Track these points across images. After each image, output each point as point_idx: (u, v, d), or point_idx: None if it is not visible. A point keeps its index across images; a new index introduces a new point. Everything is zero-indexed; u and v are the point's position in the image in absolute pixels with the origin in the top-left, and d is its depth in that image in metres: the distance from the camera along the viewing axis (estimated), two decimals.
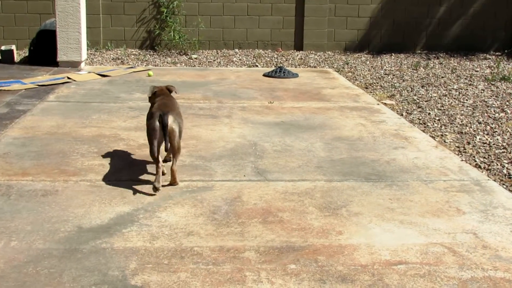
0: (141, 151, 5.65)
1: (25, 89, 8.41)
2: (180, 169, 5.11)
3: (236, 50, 12.49)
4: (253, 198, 4.58)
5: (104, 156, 5.48)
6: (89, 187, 4.72)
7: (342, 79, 9.94)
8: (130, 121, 6.77)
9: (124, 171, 5.12)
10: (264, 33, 12.59)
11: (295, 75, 9.92)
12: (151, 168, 5.14)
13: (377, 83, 9.89)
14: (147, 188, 4.71)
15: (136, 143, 5.91)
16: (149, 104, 5.28)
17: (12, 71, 9.80)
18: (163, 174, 4.91)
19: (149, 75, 9.62)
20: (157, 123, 4.71)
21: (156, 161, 4.73)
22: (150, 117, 4.85)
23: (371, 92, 9.16)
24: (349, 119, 7.16)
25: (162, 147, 4.83)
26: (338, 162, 5.50)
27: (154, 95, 5.28)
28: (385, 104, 8.20)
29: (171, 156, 4.89)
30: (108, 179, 4.91)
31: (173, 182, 4.81)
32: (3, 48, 10.92)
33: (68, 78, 9.21)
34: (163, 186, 4.73)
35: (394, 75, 10.55)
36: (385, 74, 10.65)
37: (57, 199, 4.47)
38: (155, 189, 4.63)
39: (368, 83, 9.84)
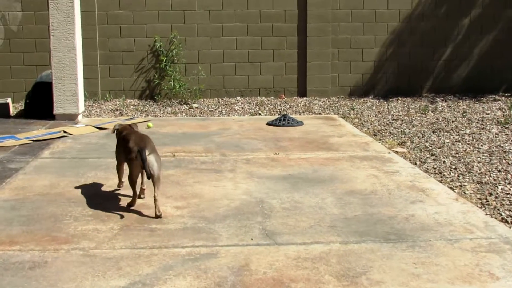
0: (140, 213, 5.23)
1: (19, 145, 8.03)
2: (182, 233, 4.70)
3: (238, 98, 12.17)
4: (262, 266, 4.15)
5: (98, 219, 5.06)
6: (82, 257, 4.29)
7: (349, 126, 9.57)
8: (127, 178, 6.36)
9: (119, 236, 4.70)
10: (266, 80, 12.29)
11: (300, 123, 9.55)
12: (147, 232, 4.72)
13: (386, 129, 9.52)
14: (146, 257, 4.28)
15: (134, 203, 5.49)
16: None
17: (7, 125, 9.45)
18: (140, 197, 5.61)
19: (148, 127, 9.25)
20: (134, 156, 5.18)
21: (133, 187, 5.36)
22: (129, 152, 5.27)
23: (380, 140, 8.77)
24: (360, 170, 6.75)
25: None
26: (353, 220, 5.07)
27: (118, 132, 5.82)
28: (396, 152, 7.81)
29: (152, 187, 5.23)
30: (102, 247, 4.48)
31: (157, 213, 5.10)
32: None
33: (64, 132, 8.84)
34: (157, 248, 4.30)
35: (402, 120, 10.18)
36: (393, 119, 10.28)
37: (46, 272, 4.04)
38: (129, 205, 5.41)
39: (376, 130, 9.47)
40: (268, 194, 5.79)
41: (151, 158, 5.16)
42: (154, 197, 5.11)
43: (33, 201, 5.56)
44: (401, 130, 9.38)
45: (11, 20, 11.71)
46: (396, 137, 8.93)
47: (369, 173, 6.62)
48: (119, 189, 5.93)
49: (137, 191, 5.44)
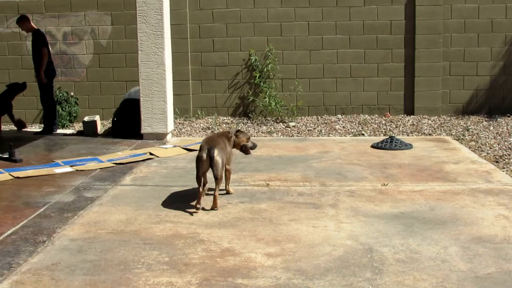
0: (224, 261, 4.39)
1: (101, 168, 7.41)
2: None
3: (339, 116, 11.20)
4: None
5: (175, 269, 4.25)
6: None
7: (464, 150, 8.44)
8: (214, 213, 5.56)
9: None
10: (370, 96, 11.27)
11: (409, 146, 8.51)
12: None
13: (509, 154, 8.34)
14: None
15: (219, 248, 4.66)
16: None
17: (91, 145, 8.90)
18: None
19: None
20: (204, 155, 5.59)
21: (199, 184, 5.66)
22: (199, 149, 5.71)
23: (504, 168, 7.62)
24: (485, 208, 5.67)
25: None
26: (487, 281, 4.04)
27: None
28: None
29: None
30: None
31: (213, 207, 5.64)
32: (86, 119, 10.11)
33: (150, 154, 8.18)
34: None
35: None
36: None
37: None
38: (196, 208, 5.60)
39: (497, 155, 8.30)
40: (377, 240, 4.83)
41: (218, 159, 5.57)
42: (214, 195, 5.66)
43: (103, 241, 4.83)
44: None
45: (101, 34, 11.24)
46: None
47: (497, 212, 5.54)
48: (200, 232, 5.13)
49: (201, 189, 5.67)
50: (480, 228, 5.11)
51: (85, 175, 7.04)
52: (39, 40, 9.77)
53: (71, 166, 7.46)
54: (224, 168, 5.78)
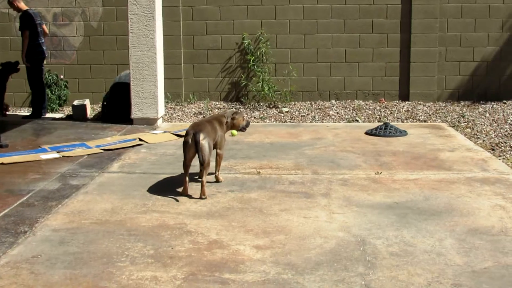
0: (211, 254, 4.22)
1: (88, 154, 7.23)
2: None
3: (333, 101, 11.01)
4: None
5: (159, 262, 4.09)
6: None
7: (460, 137, 8.28)
8: (202, 202, 5.40)
9: None
10: (365, 82, 11.08)
11: (404, 133, 8.35)
12: (218, 285, 3.71)
13: (505, 142, 8.18)
14: None
15: (206, 240, 4.50)
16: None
17: (80, 130, 8.71)
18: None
19: (232, 135, 8.22)
20: (190, 140, 5.45)
21: (185, 171, 5.59)
22: (185, 134, 5.59)
23: (500, 156, 7.47)
24: (481, 198, 5.53)
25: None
26: (484, 276, 3.89)
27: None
28: None
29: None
30: None
31: (201, 196, 5.46)
32: (75, 103, 9.92)
33: (140, 139, 8.00)
34: None
35: None
36: None
37: None
38: (180, 194, 5.56)
39: (493, 143, 8.15)
40: (370, 231, 4.68)
41: (204, 143, 5.41)
42: (202, 181, 5.47)
43: (87, 232, 4.66)
44: None
45: (91, 16, 11.00)
46: None
47: (493, 202, 5.39)
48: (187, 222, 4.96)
49: (187, 178, 5.59)
50: (476, 219, 4.97)
51: (72, 162, 6.86)
52: (23, 21, 9.52)
53: (57, 152, 7.28)
54: (210, 153, 5.59)
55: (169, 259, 4.15)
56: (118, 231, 4.68)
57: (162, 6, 9.31)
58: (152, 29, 8.82)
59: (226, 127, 6.01)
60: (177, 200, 5.44)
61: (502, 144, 8.08)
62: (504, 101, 10.89)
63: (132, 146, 7.65)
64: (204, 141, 5.45)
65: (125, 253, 4.26)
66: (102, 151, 7.40)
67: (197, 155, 5.44)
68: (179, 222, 4.88)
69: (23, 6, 9.72)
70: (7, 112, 10.20)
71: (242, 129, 6.21)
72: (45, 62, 10.01)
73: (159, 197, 5.56)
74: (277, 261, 4.12)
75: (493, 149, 7.83)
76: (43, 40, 9.73)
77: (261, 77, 10.73)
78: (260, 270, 3.97)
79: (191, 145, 5.45)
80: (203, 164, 5.45)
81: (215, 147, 5.79)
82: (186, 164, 5.57)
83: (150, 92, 8.94)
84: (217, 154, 5.91)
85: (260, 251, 4.29)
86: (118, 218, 5.00)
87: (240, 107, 10.68)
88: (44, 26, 9.94)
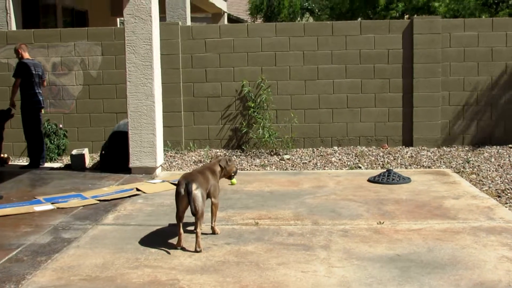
0: None
1: (83, 205, 7.06)
2: None
3: (335, 147, 10.86)
4: None
5: None
6: None
7: (465, 183, 8.08)
8: (197, 256, 5.20)
9: None
10: (367, 128, 10.95)
11: (407, 180, 8.16)
12: None
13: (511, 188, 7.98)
14: None
15: None
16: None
17: (77, 180, 8.55)
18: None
19: (232, 183, 8.06)
20: (182, 190, 5.27)
21: (178, 222, 5.40)
22: (177, 184, 5.40)
23: (506, 203, 7.26)
24: (487, 249, 5.31)
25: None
26: None
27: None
28: None
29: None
30: None
31: (196, 249, 5.27)
32: (74, 152, 9.79)
33: (137, 189, 7.84)
34: None
35: None
36: None
37: None
38: (175, 247, 5.36)
39: (500, 190, 7.94)
40: (371, 287, 4.46)
41: (196, 193, 5.27)
42: (196, 233, 5.31)
43: None
44: None
45: (91, 64, 10.96)
46: None
47: (500, 254, 5.17)
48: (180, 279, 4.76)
49: (182, 230, 5.42)
50: (482, 272, 4.75)
51: (66, 213, 6.69)
52: (17, 69, 9.47)
53: (52, 203, 7.11)
54: (204, 204, 5.39)
55: None
56: None
57: (162, 54, 9.25)
58: (150, 77, 8.73)
59: (220, 175, 5.85)
60: (170, 254, 5.24)
61: (508, 191, 7.88)
62: (510, 145, 10.72)
63: (129, 196, 7.48)
64: (197, 191, 5.29)
65: None
66: (98, 202, 7.23)
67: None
68: (171, 278, 4.69)
69: (26, 56, 9.67)
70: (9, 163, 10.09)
71: (231, 176, 6.07)
72: (43, 112, 9.90)
73: (153, 250, 5.37)
74: None
75: (499, 196, 7.63)
76: (39, 90, 9.65)
77: (262, 124, 10.61)
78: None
79: (183, 196, 5.28)
80: (195, 215, 5.26)
81: (208, 196, 5.61)
82: (179, 216, 5.37)
83: (149, 141, 8.81)
84: (212, 204, 5.72)
85: None
86: (109, 274, 4.80)
87: (241, 155, 10.54)
88: (45, 79, 9.88)
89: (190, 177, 5.39)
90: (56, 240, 5.72)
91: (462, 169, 9.21)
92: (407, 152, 10.51)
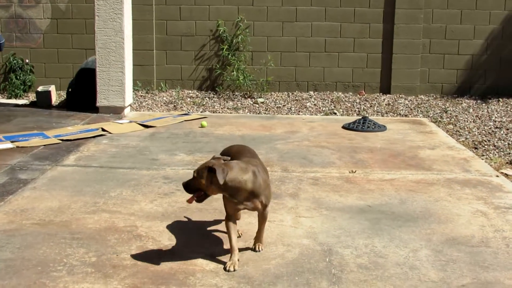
0: (159, 264, 3.77)
1: (45, 145, 6.74)
2: None
3: (311, 92, 10.57)
4: None
5: (100, 272, 3.64)
6: None
7: (441, 133, 7.88)
8: (158, 202, 4.95)
9: None
10: (345, 73, 10.65)
11: (383, 128, 7.93)
12: None
13: (489, 140, 7.79)
14: None
15: (156, 246, 4.06)
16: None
17: (41, 118, 8.21)
18: None
19: (202, 126, 7.83)
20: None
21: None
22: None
23: (483, 155, 7.08)
24: (462, 202, 5.12)
25: None
26: None
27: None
28: (506, 175, 6.12)
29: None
30: None
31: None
32: (39, 89, 9.41)
33: (103, 129, 7.52)
34: None
35: (508, 129, 8.40)
36: (496, 127, 8.51)
37: None
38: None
39: (476, 141, 7.75)
40: (339, 239, 4.25)
41: None
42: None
43: (26, 235, 4.20)
44: (509, 143, 7.65)
45: None
46: (503, 152, 7.22)
47: (474, 208, 4.98)
48: (138, 225, 4.52)
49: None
50: (455, 226, 4.56)
51: (25, 153, 6.37)
52: None
53: (12, 142, 6.78)
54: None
55: (112, 269, 3.70)
56: (61, 234, 4.22)
57: None
58: (120, 12, 8.32)
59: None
60: (130, 199, 4.98)
61: (485, 143, 7.69)
62: (489, 96, 10.50)
63: (94, 137, 7.17)
64: None
65: (63, 260, 3.81)
66: (61, 141, 6.92)
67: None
68: (129, 225, 4.43)
69: None
70: None
71: None
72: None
73: (113, 194, 5.11)
74: (232, 273, 3.69)
75: (475, 148, 7.44)
76: None
77: (236, 66, 10.26)
78: (211, 283, 3.54)
79: None
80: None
81: None
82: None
83: (117, 79, 8.46)
84: None
85: (214, 260, 3.85)
86: (64, 218, 4.54)
87: (214, 97, 10.22)
88: None
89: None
90: (12, 181, 5.42)
91: (439, 119, 9.00)
92: (384, 99, 10.26)
